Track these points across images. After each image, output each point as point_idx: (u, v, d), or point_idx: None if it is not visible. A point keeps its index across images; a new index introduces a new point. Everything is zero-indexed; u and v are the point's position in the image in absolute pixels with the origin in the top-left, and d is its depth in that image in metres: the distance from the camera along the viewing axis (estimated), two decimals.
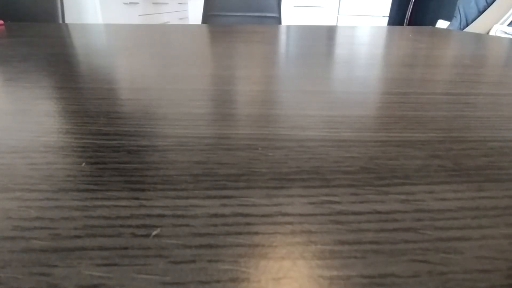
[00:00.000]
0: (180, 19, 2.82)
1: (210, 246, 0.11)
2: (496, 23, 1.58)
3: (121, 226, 0.12)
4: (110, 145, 0.18)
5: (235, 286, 0.10)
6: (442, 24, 1.95)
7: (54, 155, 0.17)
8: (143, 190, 0.14)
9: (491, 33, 1.52)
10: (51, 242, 0.11)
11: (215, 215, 0.13)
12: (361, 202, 0.14)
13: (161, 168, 0.16)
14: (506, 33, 1.49)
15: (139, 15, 2.05)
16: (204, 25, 1.00)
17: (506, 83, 0.34)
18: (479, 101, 0.29)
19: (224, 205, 0.14)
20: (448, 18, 2.07)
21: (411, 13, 2.75)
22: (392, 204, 0.14)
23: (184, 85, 0.31)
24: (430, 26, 1.17)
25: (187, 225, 0.12)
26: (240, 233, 0.12)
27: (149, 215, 0.13)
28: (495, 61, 0.50)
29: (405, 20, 2.78)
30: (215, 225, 0.12)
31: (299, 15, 2.51)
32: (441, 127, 0.23)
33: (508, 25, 1.54)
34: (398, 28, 0.99)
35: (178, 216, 0.13)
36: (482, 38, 0.76)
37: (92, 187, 0.14)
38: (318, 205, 0.14)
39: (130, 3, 1.93)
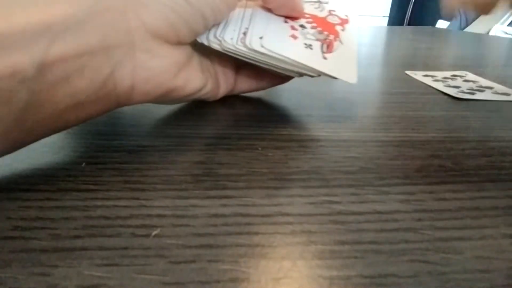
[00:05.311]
0: None
1: (210, 246, 0.11)
2: (496, 23, 1.58)
3: (121, 226, 0.12)
4: (110, 145, 0.18)
5: (235, 286, 0.10)
6: (442, 24, 1.95)
7: (54, 155, 0.17)
8: (143, 190, 0.14)
9: (491, 33, 1.52)
10: (51, 242, 0.11)
11: (215, 215, 0.13)
12: (361, 202, 0.14)
13: (161, 168, 0.16)
14: (506, 33, 1.49)
15: None
16: None
17: (506, 83, 0.34)
18: (479, 101, 0.29)
19: (224, 205, 0.14)
20: (448, 18, 2.07)
21: (411, 13, 2.75)
22: (392, 204, 0.14)
23: None
24: (430, 26, 1.17)
25: (187, 225, 0.12)
26: (240, 233, 0.12)
27: (149, 215, 0.13)
28: (495, 61, 0.50)
29: (405, 20, 2.78)
30: (215, 225, 0.12)
31: None
32: (441, 127, 0.23)
33: (508, 25, 1.55)
34: (398, 28, 0.99)
35: (178, 216, 0.13)
36: (482, 38, 0.76)
37: (92, 187, 0.14)
38: (318, 205, 0.14)
39: None
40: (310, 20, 0.24)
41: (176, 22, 0.18)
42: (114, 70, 0.16)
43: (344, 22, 0.25)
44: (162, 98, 0.20)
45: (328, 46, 0.23)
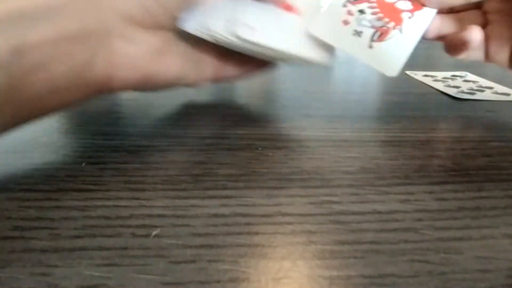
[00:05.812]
0: None
1: (210, 246, 0.11)
2: None
3: (121, 226, 0.12)
4: (110, 145, 0.18)
5: (235, 286, 0.10)
6: None
7: (54, 155, 0.17)
8: (143, 190, 0.14)
9: None
10: (51, 242, 0.11)
11: (215, 215, 0.13)
12: (361, 202, 0.14)
13: (161, 168, 0.16)
14: None
15: None
16: None
17: (506, 83, 0.34)
18: (479, 101, 0.29)
19: (224, 205, 0.14)
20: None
21: None
22: (392, 204, 0.14)
23: None
24: None
25: (187, 225, 0.12)
26: (240, 233, 0.12)
27: (149, 215, 0.13)
28: None
29: None
30: (215, 225, 0.12)
31: None
32: (441, 127, 0.23)
33: None
34: None
35: (178, 216, 0.13)
36: None
37: (92, 187, 0.14)
38: (318, 205, 0.14)
39: None
40: (375, 4, 0.23)
41: (151, 6, 0.17)
42: (91, 57, 0.16)
43: (416, 8, 0.23)
44: (142, 85, 0.20)
45: (381, 34, 0.22)
